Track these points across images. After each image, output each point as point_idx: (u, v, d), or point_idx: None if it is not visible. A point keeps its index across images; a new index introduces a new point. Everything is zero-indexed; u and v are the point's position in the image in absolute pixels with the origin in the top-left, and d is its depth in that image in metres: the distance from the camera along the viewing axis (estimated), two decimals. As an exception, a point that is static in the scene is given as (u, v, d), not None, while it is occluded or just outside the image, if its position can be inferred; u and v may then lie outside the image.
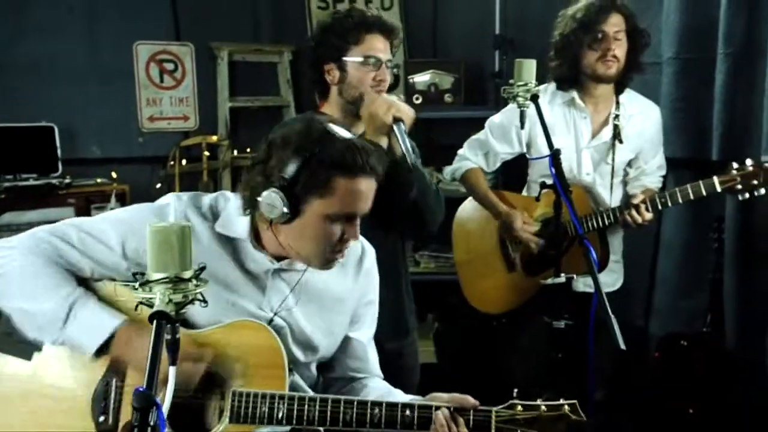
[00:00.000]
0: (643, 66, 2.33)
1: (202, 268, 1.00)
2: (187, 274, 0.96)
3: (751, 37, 2.45)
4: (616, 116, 2.30)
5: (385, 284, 1.81)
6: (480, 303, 2.53)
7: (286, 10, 3.74)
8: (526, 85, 1.83)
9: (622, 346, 1.36)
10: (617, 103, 2.32)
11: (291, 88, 3.74)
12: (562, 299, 1.90)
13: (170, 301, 0.94)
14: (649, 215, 2.14)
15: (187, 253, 0.97)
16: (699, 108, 2.66)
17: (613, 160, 2.31)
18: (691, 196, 2.11)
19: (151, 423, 0.82)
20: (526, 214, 2.33)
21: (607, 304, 1.39)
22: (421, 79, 3.52)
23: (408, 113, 1.84)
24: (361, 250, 1.53)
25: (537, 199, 1.89)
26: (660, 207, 2.15)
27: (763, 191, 2.06)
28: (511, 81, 1.87)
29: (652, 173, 2.40)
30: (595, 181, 2.35)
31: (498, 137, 2.41)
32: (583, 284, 2.26)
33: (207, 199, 1.45)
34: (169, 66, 3.59)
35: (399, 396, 1.46)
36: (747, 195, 2.08)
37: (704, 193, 2.10)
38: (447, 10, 3.81)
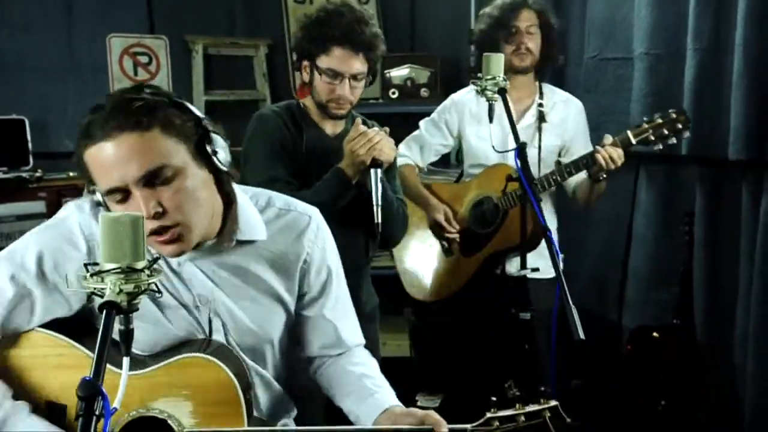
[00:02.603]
0: (558, 58, 2.54)
1: (156, 259, 0.99)
2: (140, 265, 0.95)
3: (719, 34, 2.48)
4: (540, 103, 2.46)
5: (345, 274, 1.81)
6: (418, 292, 2.58)
7: (262, 4, 3.72)
8: (494, 78, 1.86)
9: (582, 336, 1.37)
10: (541, 93, 2.49)
11: (267, 82, 3.73)
12: (522, 290, 1.91)
13: (121, 291, 0.93)
14: (620, 152, 2.19)
15: (140, 243, 0.96)
16: (669, 103, 2.67)
17: (539, 141, 2.44)
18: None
19: (97, 412, 0.81)
20: (448, 209, 2.46)
21: (568, 293, 1.40)
22: (398, 73, 3.53)
23: (389, 154, 1.86)
24: (307, 221, 1.41)
25: (503, 191, 1.90)
26: (624, 147, 2.22)
27: (674, 140, 2.21)
28: (479, 75, 1.88)
29: None
30: None
31: (429, 130, 2.59)
32: (515, 269, 2.30)
33: None
34: (144, 59, 3.56)
35: (377, 392, 1.36)
36: (660, 146, 2.21)
37: (620, 147, 2.20)
38: (424, 4, 3.82)
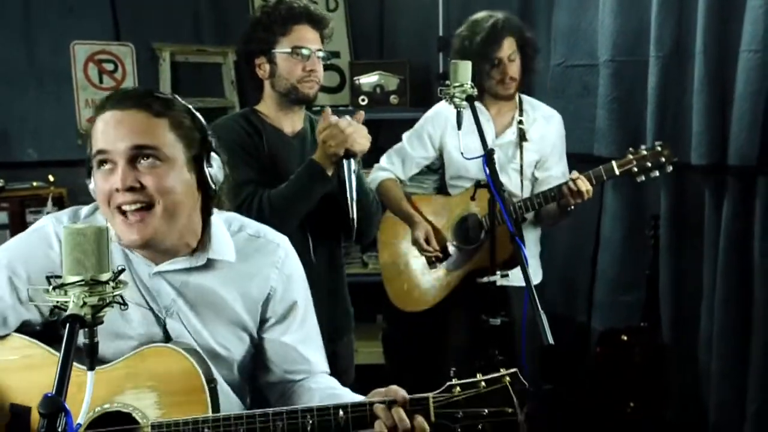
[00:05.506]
0: (537, 68, 2.50)
1: (121, 270, 0.98)
2: (105, 277, 0.94)
3: (681, 41, 2.54)
4: (520, 120, 2.45)
5: (321, 286, 1.80)
6: (403, 302, 2.55)
7: (229, 11, 3.68)
8: (462, 86, 1.86)
9: (551, 341, 1.38)
10: (521, 108, 2.47)
11: (235, 89, 3.69)
12: (494, 296, 1.93)
13: (85, 304, 0.91)
14: (590, 187, 2.23)
15: (104, 255, 0.94)
16: (633, 109, 2.74)
17: (521, 158, 2.44)
18: (593, 181, 2.25)
19: (59, 429, 0.79)
20: (429, 229, 2.43)
21: (537, 299, 1.42)
22: (367, 80, 3.53)
23: (363, 144, 1.82)
24: (275, 248, 1.43)
25: (472, 198, 1.91)
26: (595, 182, 2.26)
27: (657, 173, 2.26)
28: (447, 82, 1.89)
29: (558, 179, 2.43)
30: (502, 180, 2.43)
31: (412, 143, 2.55)
32: (500, 278, 2.29)
33: (84, 212, 1.35)
34: (109, 66, 3.50)
35: (345, 397, 1.38)
36: (643, 177, 2.26)
37: (605, 177, 2.27)
38: (393, 12, 3.83)
